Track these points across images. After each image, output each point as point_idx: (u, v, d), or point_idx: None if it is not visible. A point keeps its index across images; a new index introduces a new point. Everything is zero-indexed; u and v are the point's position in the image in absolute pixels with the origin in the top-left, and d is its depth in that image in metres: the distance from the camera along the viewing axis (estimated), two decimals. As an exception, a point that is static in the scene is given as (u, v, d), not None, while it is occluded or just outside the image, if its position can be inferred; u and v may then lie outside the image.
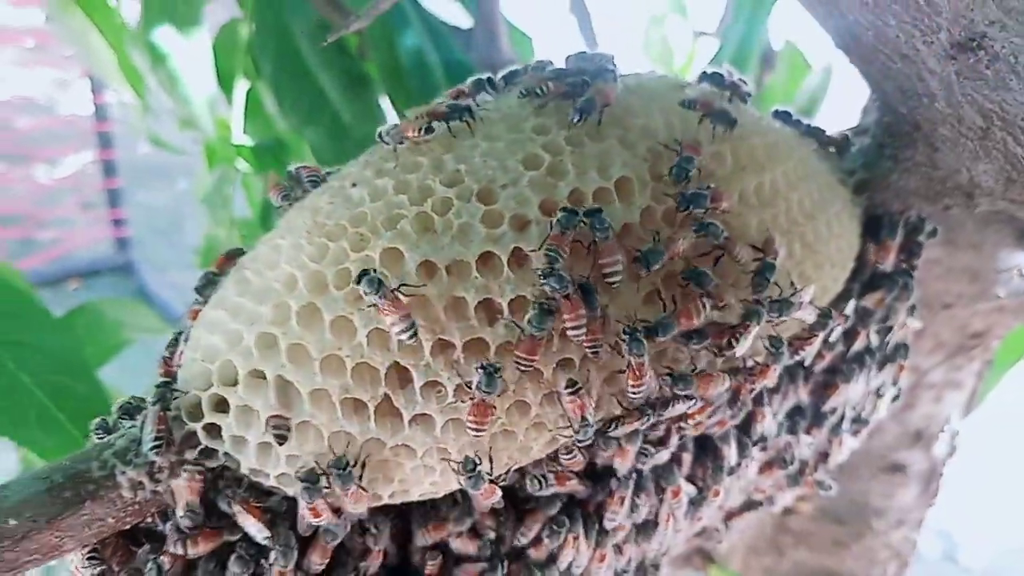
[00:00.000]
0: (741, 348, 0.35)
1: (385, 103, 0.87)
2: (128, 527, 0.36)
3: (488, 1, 0.91)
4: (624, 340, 0.33)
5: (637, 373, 0.34)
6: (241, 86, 0.93)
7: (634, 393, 0.34)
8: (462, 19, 0.93)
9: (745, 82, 0.42)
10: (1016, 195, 0.42)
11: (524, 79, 0.39)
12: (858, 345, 0.48)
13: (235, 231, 0.97)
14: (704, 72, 0.43)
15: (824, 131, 0.47)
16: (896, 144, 0.44)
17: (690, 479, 0.43)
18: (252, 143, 0.95)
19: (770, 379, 0.39)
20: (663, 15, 1.62)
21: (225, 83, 0.91)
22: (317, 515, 0.35)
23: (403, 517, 0.40)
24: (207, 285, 0.40)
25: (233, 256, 0.39)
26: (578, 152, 0.36)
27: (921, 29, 0.36)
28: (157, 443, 0.34)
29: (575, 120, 0.36)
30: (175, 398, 0.35)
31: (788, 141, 0.42)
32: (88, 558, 0.36)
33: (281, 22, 0.87)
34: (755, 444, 0.44)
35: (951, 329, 0.74)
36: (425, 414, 0.34)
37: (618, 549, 0.43)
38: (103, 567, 0.37)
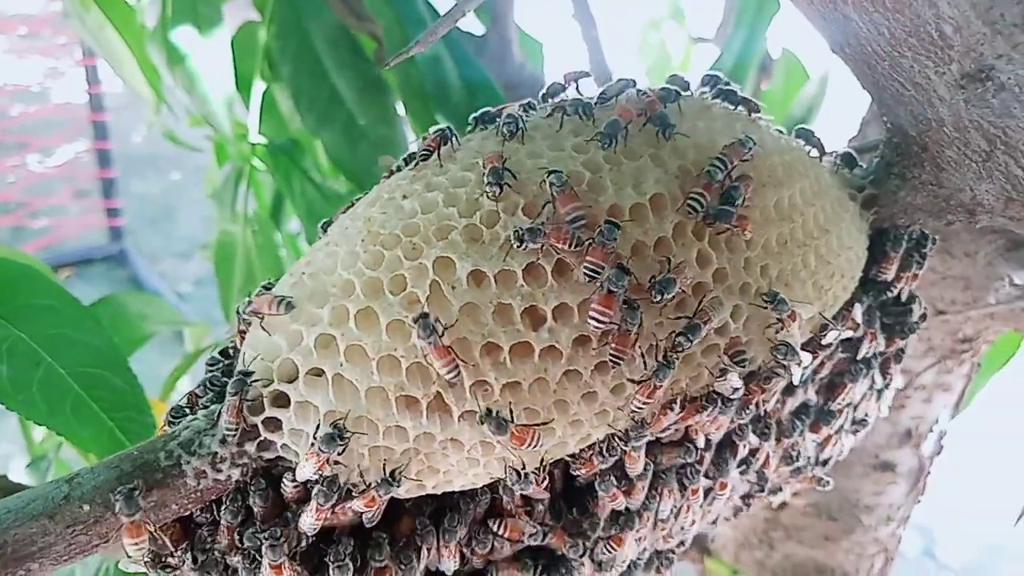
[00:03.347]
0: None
1: (401, 107, 0.90)
2: (188, 513, 0.39)
3: (501, 8, 0.94)
4: (653, 362, 0.36)
5: (651, 391, 0.37)
6: (258, 87, 0.95)
7: (639, 407, 0.37)
8: (476, 26, 0.95)
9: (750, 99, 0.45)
10: (1015, 212, 0.45)
11: (561, 102, 0.42)
12: (865, 347, 0.51)
13: (248, 228, 1.00)
14: (714, 83, 0.46)
15: (842, 152, 0.50)
16: (904, 163, 0.47)
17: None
18: (267, 143, 0.97)
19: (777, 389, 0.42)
20: (661, 20, 1.65)
21: (243, 84, 0.93)
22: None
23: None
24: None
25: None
26: (615, 169, 0.39)
27: (934, 61, 0.39)
28: (231, 431, 0.36)
29: (605, 145, 0.39)
30: (250, 387, 0.37)
31: (804, 159, 0.45)
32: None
33: (300, 25, 0.89)
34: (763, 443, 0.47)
35: (943, 334, 0.78)
36: (473, 411, 0.37)
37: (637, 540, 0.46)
38: (160, 547, 0.39)
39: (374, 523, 0.39)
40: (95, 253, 3.27)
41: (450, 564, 0.41)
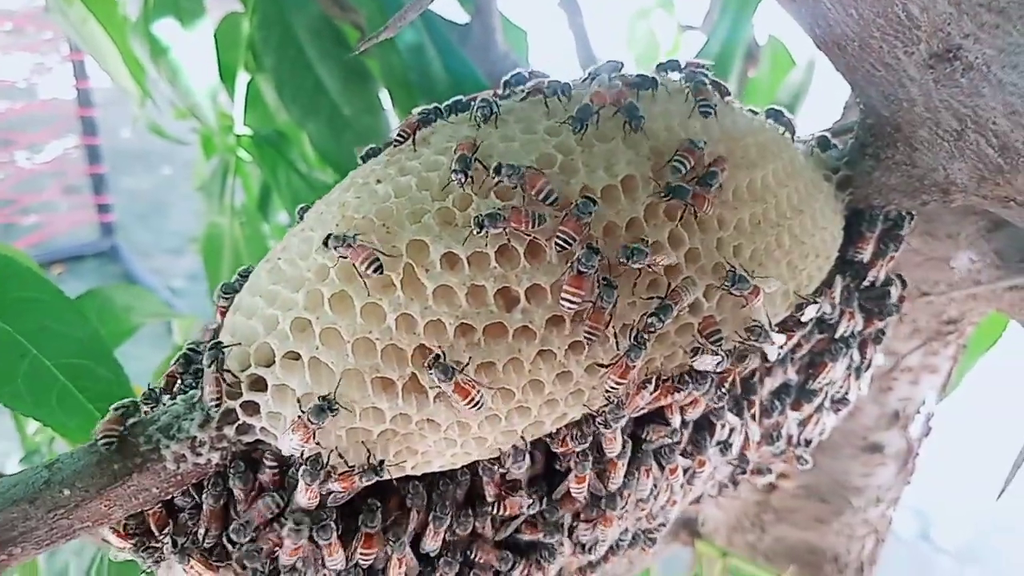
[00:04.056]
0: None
1: (385, 96, 0.90)
2: (169, 496, 0.39)
3: (485, -4, 0.94)
4: (626, 342, 0.37)
5: (624, 371, 0.37)
6: (242, 78, 0.95)
7: (614, 386, 0.38)
8: (459, 14, 0.95)
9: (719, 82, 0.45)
10: (987, 191, 0.45)
11: (531, 86, 0.42)
12: (845, 326, 0.51)
13: (236, 219, 1.00)
14: (676, 66, 0.46)
15: (817, 134, 0.51)
16: (878, 144, 0.47)
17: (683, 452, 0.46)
18: (253, 134, 0.97)
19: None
20: (649, 9, 1.65)
21: (226, 75, 0.93)
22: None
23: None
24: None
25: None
26: (587, 151, 0.39)
27: (903, 41, 0.40)
28: (216, 402, 0.37)
29: (575, 129, 0.39)
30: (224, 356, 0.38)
31: (778, 140, 0.46)
32: (127, 526, 0.39)
33: (283, 16, 0.89)
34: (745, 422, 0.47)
35: (928, 315, 0.78)
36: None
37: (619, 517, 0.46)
38: (144, 532, 0.40)
39: (339, 503, 0.39)
40: (86, 249, 3.27)
41: (433, 546, 0.42)
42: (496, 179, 0.37)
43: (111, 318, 0.79)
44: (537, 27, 1.23)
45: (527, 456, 0.41)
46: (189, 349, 0.43)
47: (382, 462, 0.38)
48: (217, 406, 0.37)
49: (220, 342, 0.38)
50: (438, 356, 0.36)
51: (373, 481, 0.38)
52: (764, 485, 0.89)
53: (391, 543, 0.40)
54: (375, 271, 0.36)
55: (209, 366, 0.37)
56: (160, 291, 2.85)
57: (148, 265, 3.25)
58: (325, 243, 0.36)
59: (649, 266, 0.37)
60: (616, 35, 1.65)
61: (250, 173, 1.11)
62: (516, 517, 0.44)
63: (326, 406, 0.36)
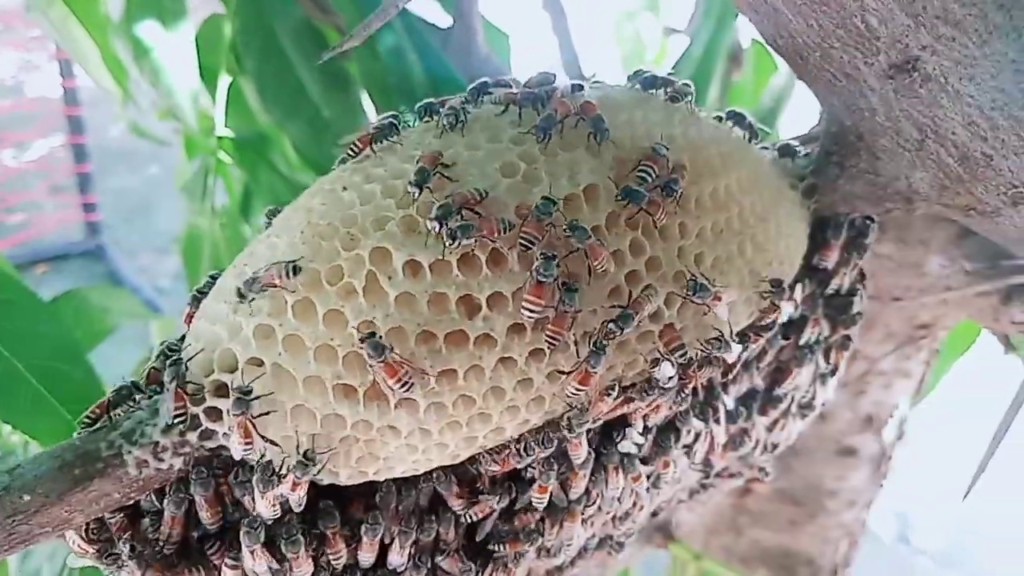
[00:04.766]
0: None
1: (366, 99, 0.90)
2: (131, 502, 0.40)
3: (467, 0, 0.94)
4: (586, 349, 0.37)
5: (584, 378, 0.37)
6: (223, 80, 0.95)
7: (574, 392, 0.38)
8: (441, 17, 0.95)
9: (687, 84, 0.46)
10: (948, 200, 0.46)
11: (496, 96, 0.43)
12: (809, 332, 0.52)
13: (216, 221, 1.00)
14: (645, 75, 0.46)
15: (781, 142, 0.51)
16: (842, 152, 0.48)
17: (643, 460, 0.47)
18: (234, 136, 0.97)
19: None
20: (635, 11, 1.66)
21: (208, 77, 0.93)
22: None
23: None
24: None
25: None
26: (551, 160, 0.39)
27: (862, 52, 0.40)
28: (178, 418, 0.37)
29: (539, 139, 0.39)
30: (187, 372, 0.38)
31: (743, 149, 0.46)
32: (90, 530, 0.40)
33: (264, 18, 0.89)
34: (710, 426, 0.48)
35: (900, 320, 0.79)
36: (410, 398, 0.37)
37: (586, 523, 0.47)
38: (106, 538, 0.40)
39: (301, 507, 0.39)
40: (72, 249, 3.25)
41: (399, 560, 0.42)
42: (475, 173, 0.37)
43: (88, 319, 0.79)
44: (521, 30, 1.24)
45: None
46: (168, 348, 0.43)
47: (307, 453, 0.37)
48: (182, 421, 0.37)
49: (180, 359, 0.38)
50: (373, 333, 0.36)
51: (309, 476, 0.38)
52: (739, 489, 0.90)
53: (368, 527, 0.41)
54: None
55: (171, 381, 0.37)
56: (146, 291, 2.84)
57: (134, 265, 3.24)
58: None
59: (592, 249, 0.37)
60: (600, 38, 1.65)
61: (233, 175, 1.11)
62: (488, 517, 0.44)
63: (242, 396, 0.36)
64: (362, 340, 0.36)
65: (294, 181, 0.98)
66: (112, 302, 0.83)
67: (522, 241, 0.36)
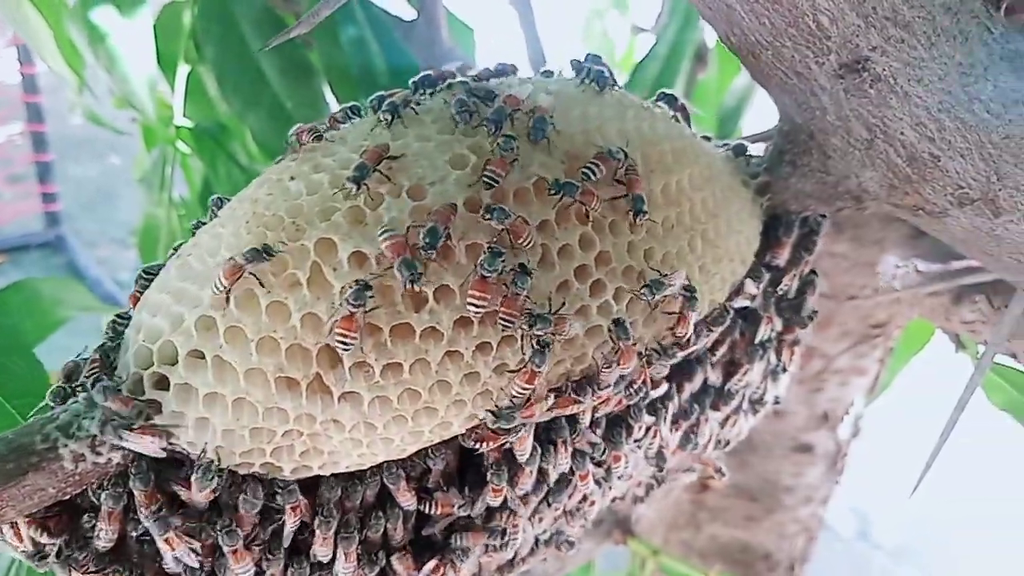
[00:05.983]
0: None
1: (328, 91, 0.89)
2: (68, 497, 0.39)
3: (430, -7, 0.93)
4: (530, 347, 0.37)
5: (530, 377, 0.37)
6: (182, 68, 0.93)
7: (520, 392, 0.38)
8: (405, 10, 0.95)
9: (610, 71, 0.45)
10: (897, 200, 0.47)
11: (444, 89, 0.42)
12: (763, 330, 0.52)
13: (174, 212, 0.98)
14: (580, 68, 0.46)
15: (734, 141, 0.51)
16: (794, 151, 0.48)
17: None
18: (193, 125, 0.96)
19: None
20: (603, 9, 1.66)
21: (166, 65, 0.92)
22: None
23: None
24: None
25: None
26: (501, 153, 0.39)
27: (813, 51, 0.41)
28: (123, 419, 0.36)
29: (489, 132, 0.39)
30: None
31: (696, 146, 0.46)
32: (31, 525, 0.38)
33: (224, 6, 0.88)
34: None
35: (855, 319, 0.80)
36: (354, 392, 0.37)
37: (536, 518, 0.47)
38: (44, 534, 0.39)
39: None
40: (31, 240, 3.19)
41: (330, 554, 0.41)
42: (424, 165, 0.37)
43: (38, 311, 0.77)
44: (487, 25, 1.23)
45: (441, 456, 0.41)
46: (116, 322, 0.42)
47: (211, 462, 0.37)
48: (126, 421, 0.36)
49: (102, 377, 0.37)
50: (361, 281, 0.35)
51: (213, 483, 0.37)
52: (697, 485, 0.90)
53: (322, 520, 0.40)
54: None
55: (106, 401, 0.36)
56: (106, 282, 2.79)
57: (94, 256, 3.18)
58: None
59: (514, 228, 0.37)
60: (567, 35, 1.65)
61: (192, 166, 1.09)
62: (448, 515, 0.44)
63: (112, 387, 0.36)
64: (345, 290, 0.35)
65: (254, 172, 0.96)
66: (65, 294, 0.81)
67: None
